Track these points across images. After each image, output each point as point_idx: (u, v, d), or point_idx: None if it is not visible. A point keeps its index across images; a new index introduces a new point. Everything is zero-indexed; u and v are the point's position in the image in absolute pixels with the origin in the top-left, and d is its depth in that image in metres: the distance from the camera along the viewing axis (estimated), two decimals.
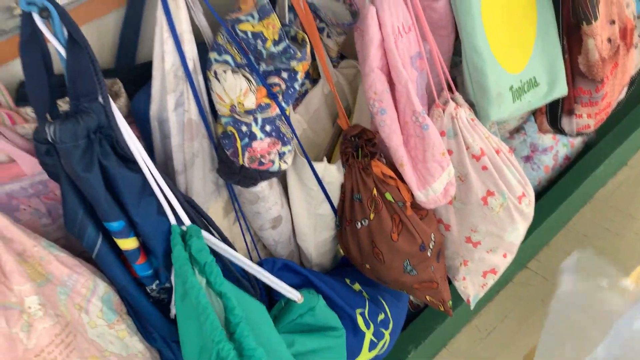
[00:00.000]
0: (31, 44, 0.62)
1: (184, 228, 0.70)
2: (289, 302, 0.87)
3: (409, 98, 0.87)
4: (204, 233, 0.71)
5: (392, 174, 0.91)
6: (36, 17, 0.59)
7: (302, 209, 0.93)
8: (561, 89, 1.09)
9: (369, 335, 1.00)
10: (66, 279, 0.63)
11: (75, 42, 0.60)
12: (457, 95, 0.97)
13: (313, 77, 0.96)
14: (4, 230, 0.60)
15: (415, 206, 0.94)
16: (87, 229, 0.65)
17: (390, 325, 1.05)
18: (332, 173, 0.89)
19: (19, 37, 0.62)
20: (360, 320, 0.99)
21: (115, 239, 0.67)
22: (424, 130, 0.88)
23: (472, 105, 0.99)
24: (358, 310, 0.99)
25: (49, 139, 0.62)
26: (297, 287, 0.96)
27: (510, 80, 1.00)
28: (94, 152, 0.63)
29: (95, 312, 0.65)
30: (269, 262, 0.93)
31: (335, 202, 0.94)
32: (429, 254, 0.94)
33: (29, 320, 0.58)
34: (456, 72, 1.04)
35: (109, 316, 0.66)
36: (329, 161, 0.93)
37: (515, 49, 1.01)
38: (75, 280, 0.64)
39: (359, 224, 0.92)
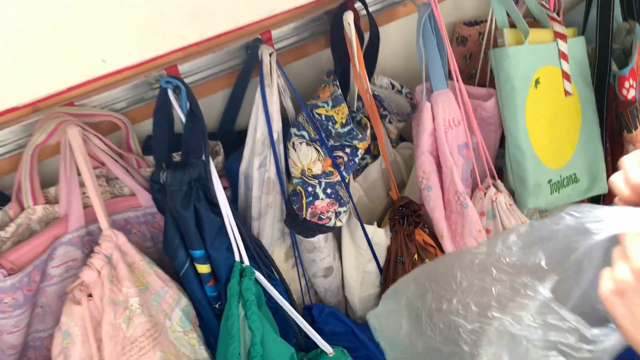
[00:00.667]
0: (162, 110, 0.83)
1: (244, 265, 0.88)
2: (322, 351, 0.98)
3: (452, 180, 1.02)
4: (258, 275, 0.88)
5: (432, 242, 1.04)
6: (170, 92, 0.81)
7: (352, 264, 1.08)
8: (601, 188, 1.19)
9: None
10: (159, 290, 0.81)
11: (193, 113, 0.81)
12: (499, 182, 1.10)
13: (374, 153, 1.13)
14: (122, 246, 0.79)
15: None
16: (179, 252, 0.84)
17: None
18: (380, 236, 1.04)
19: (153, 104, 0.84)
20: None
21: (196, 264, 0.86)
22: (464, 208, 1.02)
23: (512, 192, 1.12)
24: None
25: (162, 182, 0.82)
26: (340, 334, 1.10)
27: (549, 174, 1.12)
28: (192, 196, 0.83)
29: (176, 319, 0.82)
30: (318, 307, 1.08)
31: (382, 262, 1.08)
32: None
33: (130, 315, 0.76)
34: (501, 162, 1.18)
35: (185, 325, 0.83)
36: (379, 226, 1.08)
37: (557, 148, 1.14)
38: (166, 292, 0.82)
39: None
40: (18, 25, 0.68)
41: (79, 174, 0.80)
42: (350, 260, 1.08)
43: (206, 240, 0.84)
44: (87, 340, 0.74)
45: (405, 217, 1.04)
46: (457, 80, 1.03)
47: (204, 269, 0.85)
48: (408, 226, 1.03)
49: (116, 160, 0.84)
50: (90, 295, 0.76)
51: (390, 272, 1.07)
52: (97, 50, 0.74)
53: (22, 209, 0.80)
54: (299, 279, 1.06)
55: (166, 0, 0.76)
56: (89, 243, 0.84)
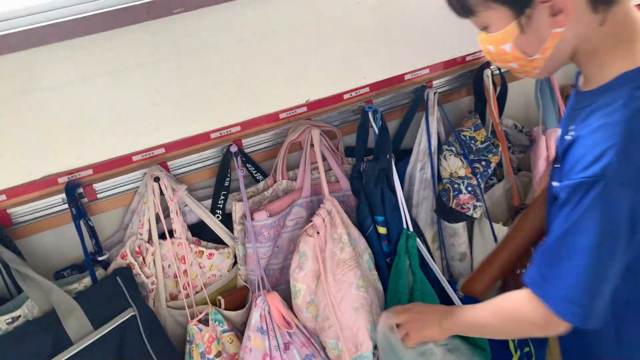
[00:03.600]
0: (363, 126, 1.30)
1: (410, 232, 1.28)
2: None
3: None
4: (417, 241, 1.28)
5: None
6: (370, 114, 1.28)
7: (480, 254, 1.44)
8: None
9: (515, 358, 1.41)
10: (356, 238, 1.24)
11: (383, 128, 1.27)
12: None
13: (499, 177, 1.52)
14: (336, 207, 1.24)
15: None
16: (367, 219, 1.27)
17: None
18: (504, 232, 1.40)
19: (356, 124, 1.31)
20: (511, 344, 1.41)
21: (377, 226, 1.28)
22: None
23: None
24: None
25: (361, 170, 1.27)
26: None
27: None
28: (380, 180, 1.27)
29: (365, 259, 1.23)
30: (452, 283, 1.43)
31: None
32: None
33: (342, 246, 1.18)
34: None
35: (370, 264, 1.24)
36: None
37: None
38: (360, 239, 1.24)
39: (518, 271, 1.40)
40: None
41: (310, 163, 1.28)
42: (479, 251, 1.44)
43: (386, 212, 1.27)
44: (315, 258, 1.17)
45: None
46: None
47: (382, 230, 1.27)
48: None
49: (332, 156, 1.31)
50: (317, 232, 1.20)
51: None
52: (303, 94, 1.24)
53: (275, 181, 1.28)
54: (442, 259, 1.44)
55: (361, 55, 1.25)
56: (311, 208, 1.29)
